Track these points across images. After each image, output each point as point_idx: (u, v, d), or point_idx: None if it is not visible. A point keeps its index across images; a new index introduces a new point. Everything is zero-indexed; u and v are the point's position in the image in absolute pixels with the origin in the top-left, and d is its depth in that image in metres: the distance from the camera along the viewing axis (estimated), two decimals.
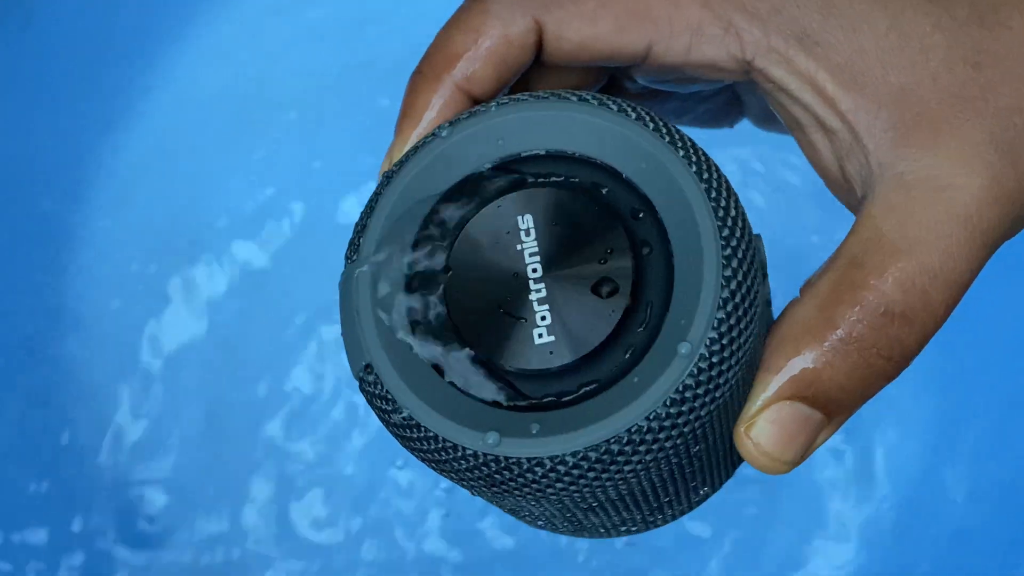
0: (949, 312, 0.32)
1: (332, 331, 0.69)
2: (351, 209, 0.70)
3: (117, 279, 0.70)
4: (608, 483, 0.31)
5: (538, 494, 0.31)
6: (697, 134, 0.35)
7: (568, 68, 0.36)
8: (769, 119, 0.40)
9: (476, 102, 0.35)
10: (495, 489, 0.31)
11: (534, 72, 0.36)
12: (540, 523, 0.35)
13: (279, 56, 0.72)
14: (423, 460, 0.32)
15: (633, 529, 0.36)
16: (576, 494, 0.31)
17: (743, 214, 0.32)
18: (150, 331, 0.69)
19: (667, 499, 0.35)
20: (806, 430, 0.32)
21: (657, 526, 0.36)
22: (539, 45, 0.35)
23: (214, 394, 0.69)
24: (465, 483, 0.32)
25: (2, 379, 0.68)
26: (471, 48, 0.34)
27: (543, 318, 0.31)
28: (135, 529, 0.68)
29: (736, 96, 0.41)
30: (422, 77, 0.35)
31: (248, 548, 0.67)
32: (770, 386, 0.32)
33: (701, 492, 0.36)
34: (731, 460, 0.35)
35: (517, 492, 0.31)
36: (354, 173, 0.71)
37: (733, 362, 0.31)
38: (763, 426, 0.32)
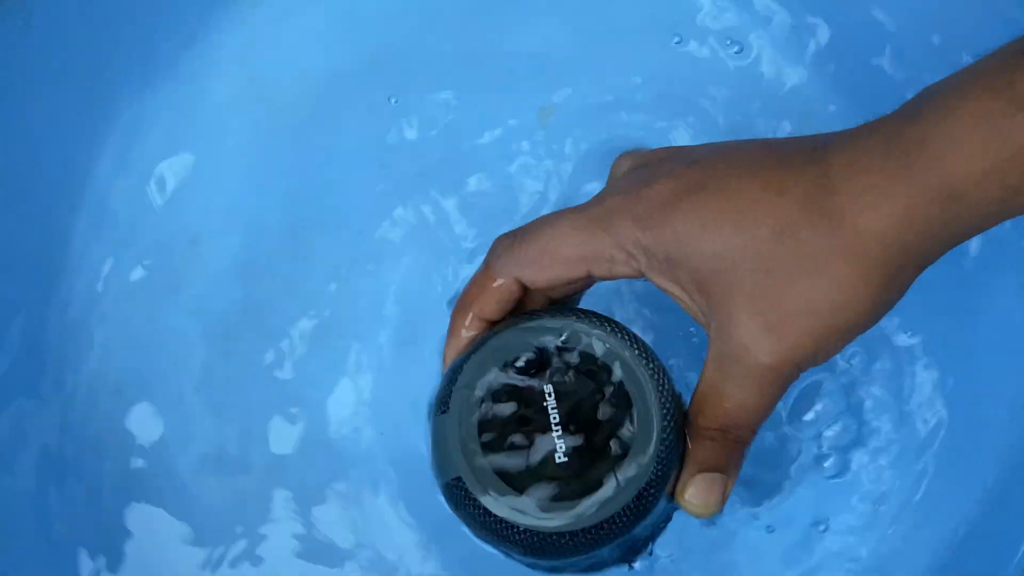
0: (766, 417, 0.54)
1: (334, 329, 0.69)
2: (360, 208, 0.70)
3: (122, 283, 0.70)
4: (602, 543, 0.53)
5: (558, 550, 0.53)
6: None
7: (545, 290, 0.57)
8: None
9: (490, 323, 0.57)
10: (530, 548, 0.53)
11: (527, 294, 0.57)
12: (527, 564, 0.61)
13: (285, 60, 0.72)
14: (478, 528, 0.54)
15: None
16: (584, 551, 0.53)
17: (671, 383, 0.55)
18: (154, 332, 0.69)
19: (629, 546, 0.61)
20: (716, 485, 0.54)
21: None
22: (522, 289, 0.56)
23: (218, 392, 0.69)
24: (507, 544, 0.53)
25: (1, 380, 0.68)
26: (482, 295, 0.57)
27: (561, 447, 0.53)
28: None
29: None
30: (457, 311, 0.57)
31: None
32: (686, 468, 0.54)
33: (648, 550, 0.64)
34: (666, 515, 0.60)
35: (541, 552, 0.53)
36: (364, 176, 0.70)
37: (668, 469, 0.53)
38: (690, 491, 0.54)
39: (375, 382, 0.68)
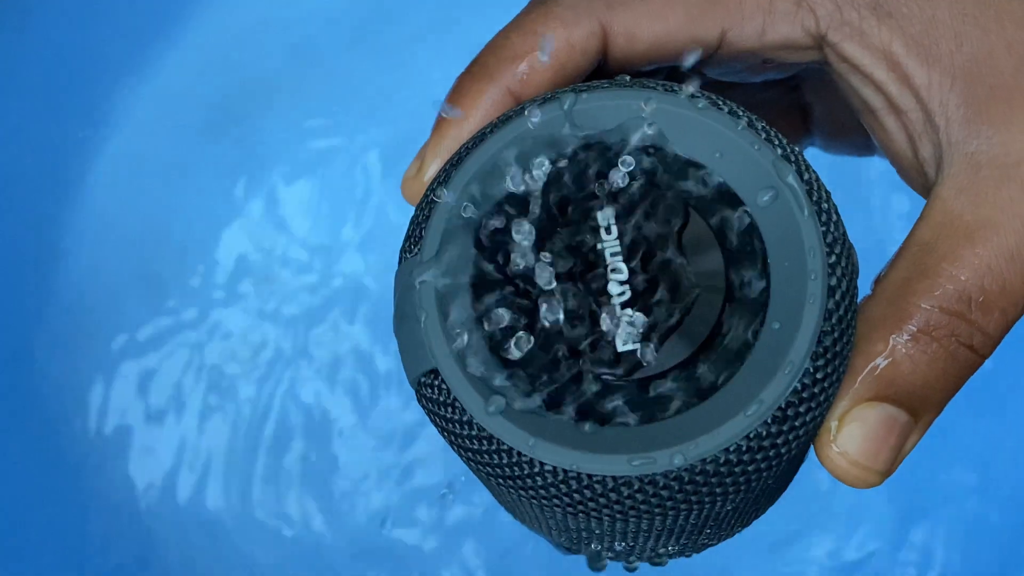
0: None
1: (331, 327, 0.70)
2: (338, 206, 0.70)
3: (111, 277, 0.70)
4: (688, 507, 0.27)
5: (619, 516, 0.27)
6: None
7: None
8: (836, 132, 0.39)
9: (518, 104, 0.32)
10: (571, 509, 0.27)
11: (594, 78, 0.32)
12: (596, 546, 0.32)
13: (275, 56, 0.72)
14: (490, 475, 0.28)
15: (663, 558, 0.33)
16: (659, 516, 0.27)
17: (840, 221, 0.29)
18: (141, 330, 0.69)
19: (708, 531, 0.31)
20: (894, 433, 0.29)
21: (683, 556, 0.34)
22: (602, 50, 0.32)
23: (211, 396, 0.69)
24: (536, 500, 0.27)
25: None
26: (529, 52, 0.31)
27: (628, 322, 0.27)
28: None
29: (802, 110, 0.40)
30: (472, 77, 0.32)
31: None
32: (847, 389, 0.29)
33: (735, 530, 0.33)
34: (779, 491, 0.32)
35: (595, 513, 0.27)
36: (347, 172, 0.71)
37: (834, 373, 0.27)
38: (849, 433, 0.29)
39: None
